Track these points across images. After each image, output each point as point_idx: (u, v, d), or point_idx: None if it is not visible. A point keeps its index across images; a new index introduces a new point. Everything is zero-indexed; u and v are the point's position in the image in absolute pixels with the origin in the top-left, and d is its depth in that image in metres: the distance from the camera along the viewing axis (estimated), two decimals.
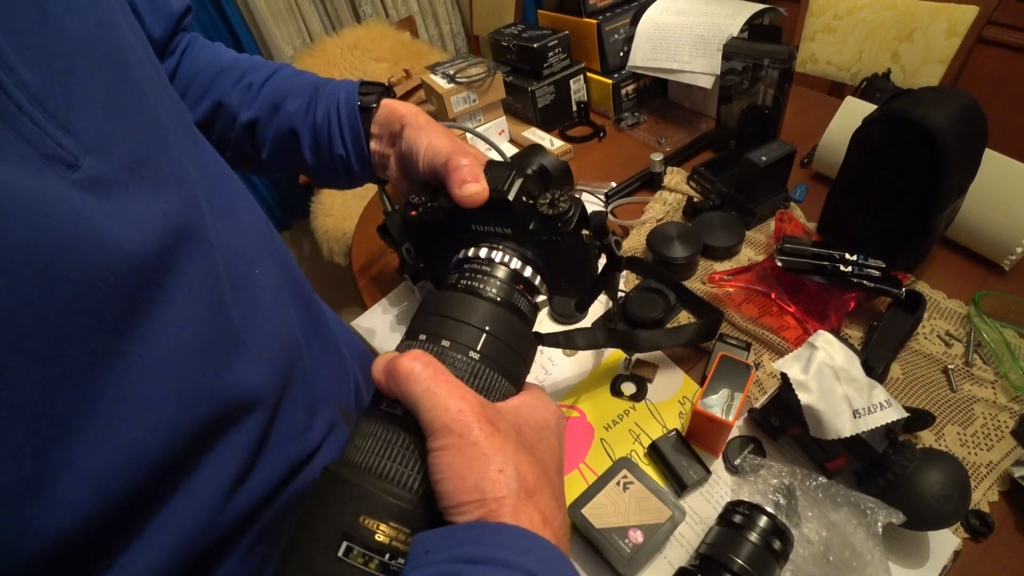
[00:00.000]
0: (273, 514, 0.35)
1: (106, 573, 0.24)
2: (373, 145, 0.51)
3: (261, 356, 0.33)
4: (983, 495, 0.55)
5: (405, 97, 1.80)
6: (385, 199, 0.78)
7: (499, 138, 1.18)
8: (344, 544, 0.25)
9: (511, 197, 0.37)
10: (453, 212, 0.39)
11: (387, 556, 0.26)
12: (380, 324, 0.84)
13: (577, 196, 0.39)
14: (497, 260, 0.37)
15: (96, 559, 0.24)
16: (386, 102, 0.50)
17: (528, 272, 0.38)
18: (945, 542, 0.52)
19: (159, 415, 0.25)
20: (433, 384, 0.27)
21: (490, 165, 0.40)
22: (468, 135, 1.04)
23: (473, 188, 0.37)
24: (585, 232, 0.40)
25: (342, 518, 0.26)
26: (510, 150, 1.14)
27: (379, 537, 0.26)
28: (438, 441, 0.27)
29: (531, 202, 0.38)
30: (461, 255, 0.39)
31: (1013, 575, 0.51)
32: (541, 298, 0.42)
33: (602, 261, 0.46)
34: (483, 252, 0.37)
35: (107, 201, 0.23)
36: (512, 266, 0.37)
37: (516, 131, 1.19)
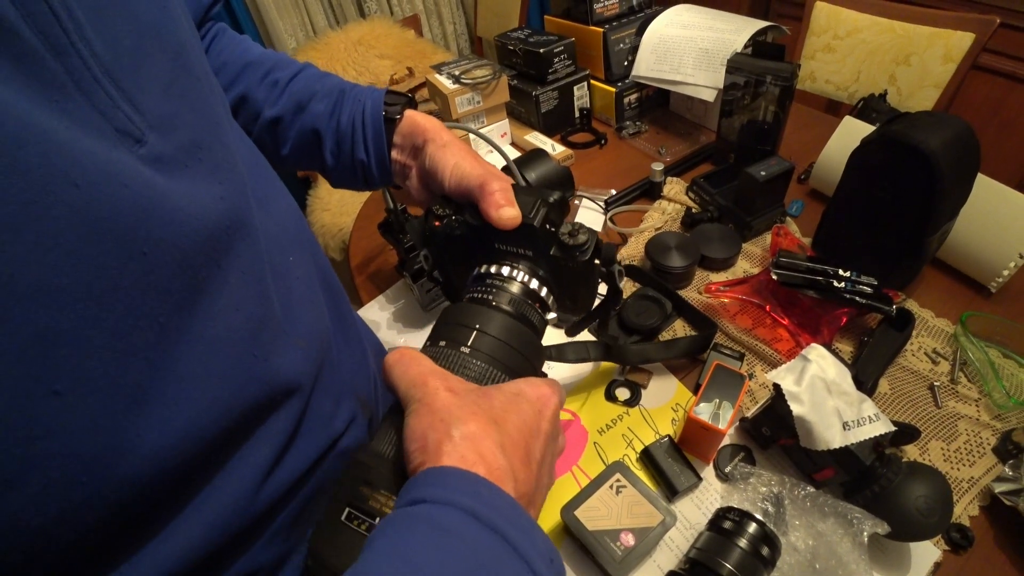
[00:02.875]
0: (301, 501, 0.35)
1: (143, 550, 0.24)
2: (394, 154, 0.52)
3: (299, 344, 0.34)
4: (964, 509, 0.57)
5: None
6: (388, 196, 0.78)
7: (501, 140, 1.19)
8: (347, 510, 0.30)
9: (536, 224, 0.40)
10: (478, 229, 0.42)
11: (377, 519, 0.30)
12: (376, 321, 0.84)
13: (592, 229, 0.41)
14: (516, 278, 0.41)
15: (137, 535, 0.24)
16: (409, 113, 0.52)
17: (543, 292, 0.42)
18: (927, 554, 0.54)
19: (215, 394, 0.26)
20: (407, 367, 0.32)
21: (517, 190, 0.43)
22: (471, 135, 1.05)
23: (510, 212, 0.40)
24: (597, 262, 0.43)
25: (349, 490, 0.31)
26: (512, 153, 1.15)
27: (372, 503, 0.30)
28: (406, 410, 0.30)
29: (553, 230, 0.41)
30: (483, 270, 0.42)
31: None
32: (551, 315, 0.45)
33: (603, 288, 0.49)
34: (504, 270, 0.42)
35: (171, 178, 0.24)
36: (530, 285, 0.42)
37: (518, 134, 1.20)
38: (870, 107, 1.50)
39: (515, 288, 0.41)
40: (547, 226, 0.41)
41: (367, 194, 1.33)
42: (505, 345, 0.37)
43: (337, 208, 1.78)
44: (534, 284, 0.42)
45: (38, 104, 0.19)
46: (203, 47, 0.31)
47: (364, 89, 0.53)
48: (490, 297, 0.40)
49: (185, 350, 0.24)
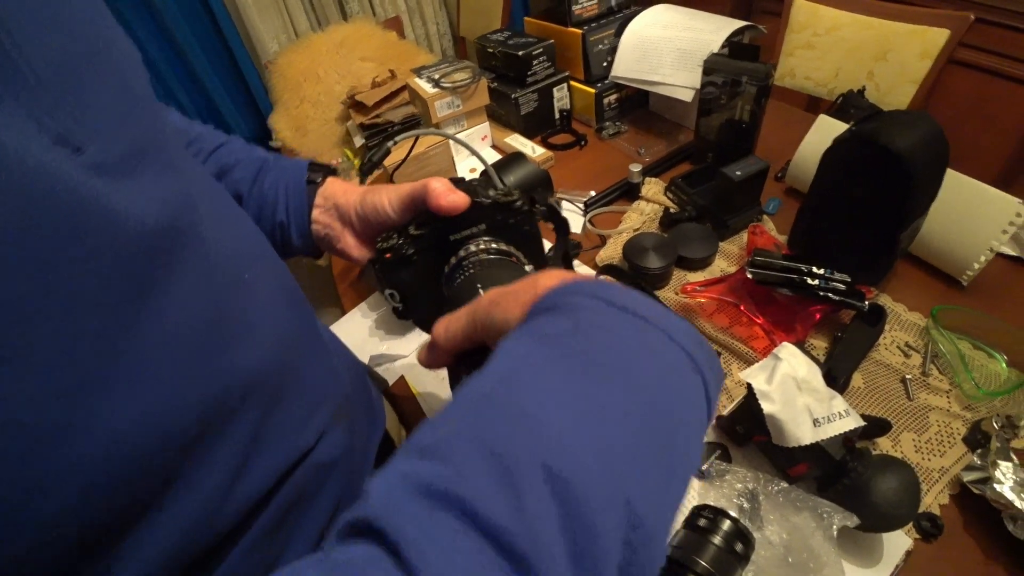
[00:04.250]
0: (276, 511, 0.36)
1: (115, 552, 0.25)
2: (316, 215, 0.53)
3: (259, 344, 0.34)
4: (935, 498, 0.58)
5: (389, 98, 1.80)
6: None
7: (482, 143, 1.20)
8: None
9: (479, 198, 0.44)
10: (428, 236, 0.44)
11: None
12: (358, 329, 0.85)
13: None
14: (483, 248, 0.44)
15: (108, 536, 0.25)
16: (331, 180, 0.54)
17: (512, 250, 0.45)
18: (898, 543, 0.55)
19: (172, 386, 0.26)
20: (449, 325, 0.33)
21: (455, 182, 0.45)
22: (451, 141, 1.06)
23: (455, 196, 0.43)
24: (537, 207, 0.46)
25: None
26: (491, 155, 1.15)
27: None
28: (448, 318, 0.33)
29: (490, 200, 0.44)
30: (453, 261, 0.44)
31: (959, 573, 0.54)
32: (529, 267, 0.46)
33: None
34: (471, 247, 0.43)
35: (111, 183, 0.24)
36: (499, 246, 0.44)
37: (499, 137, 1.21)
38: (849, 103, 1.52)
39: (488, 254, 0.43)
40: (485, 200, 0.44)
41: None
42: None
43: None
44: (502, 246, 0.44)
45: None
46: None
47: (288, 159, 0.55)
48: (472, 271, 0.42)
49: (137, 342, 0.25)
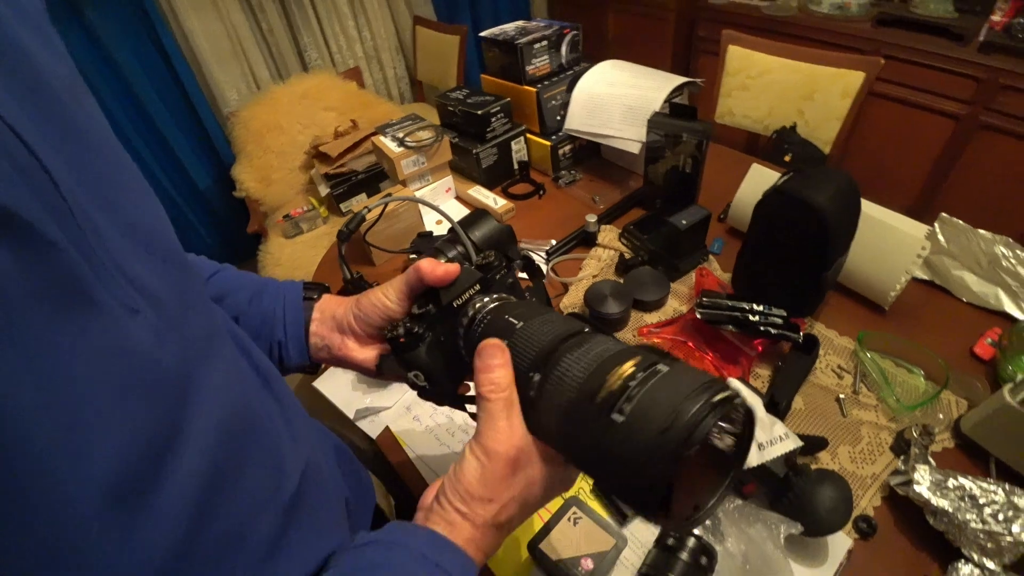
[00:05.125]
0: None
1: None
2: (314, 328, 0.55)
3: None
4: (869, 501, 0.67)
5: (352, 149, 1.87)
6: (345, 267, 0.85)
7: (446, 195, 1.27)
8: None
9: (471, 262, 0.50)
10: (432, 313, 0.46)
11: None
12: (342, 384, 0.89)
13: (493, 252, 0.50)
14: (487, 302, 0.46)
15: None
16: (326, 296, 0.57)
17: (506, 295, 0.49)
18: (840, 544, 0.63)
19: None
20: (498, 412, 0.36)
21: (422, 237, 0.51)
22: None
23: (445, 267, 0.46)
24: (515, 262, 0.53)
25: None
26: (455, 209, 1.23)
27: None
28: (476, 447, 0.37)
29: (476, 263, 0.49)
30: (466, 321, 0.46)
31: (895, 565, 0.62)
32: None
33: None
34: (477, 304, 0.46)
35: (162, 339, 0.29)
36: (498, 296, 0.47)
37: (462, 189, 1.28)
38: (783, 138, 1.67)
39: (493, 302, 0.46)
40: (471, 264, 0.50)
41: (320, 248, 1.38)
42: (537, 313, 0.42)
43: (289, 263, 1.81)
44: (500, 295, 0.48)
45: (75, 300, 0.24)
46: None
47: (282, 283, 0.58)
48: (490, 317, 0.44)
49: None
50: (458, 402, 0.51)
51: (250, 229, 2.02)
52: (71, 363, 0.24)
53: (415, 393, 0.49)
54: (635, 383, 0.30)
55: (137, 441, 0.26)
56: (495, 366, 0.37)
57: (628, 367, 0.31)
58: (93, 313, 0.25)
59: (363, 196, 1.88)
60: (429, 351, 0.46)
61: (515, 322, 0.41)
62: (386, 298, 0.51)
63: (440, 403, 0.50)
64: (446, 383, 0.49)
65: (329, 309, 0.56)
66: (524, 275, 0.56)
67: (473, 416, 0.41)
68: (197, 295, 0.37)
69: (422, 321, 0.46)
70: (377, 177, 1.84)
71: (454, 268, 0.47)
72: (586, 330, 0.38)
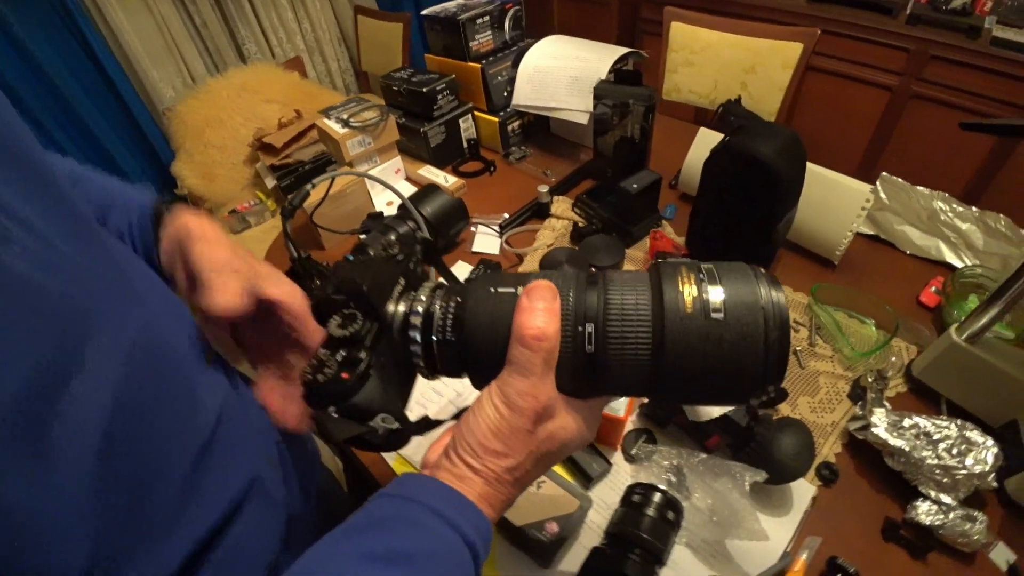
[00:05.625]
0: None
1: None
2: (164, 260, 0.45)
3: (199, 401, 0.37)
4: (830, 448, 0.67)
5: (297, 139, 1.81)
6: (291, 245, 0.81)
7: (395, 176, 1.24)
8: None
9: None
10: (362, 323, 0.36)
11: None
12: None
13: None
14: (439, 290, 0.38)
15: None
16: (180, 209, 0.46)
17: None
18: (804, 491, 0.63)
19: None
20: (535, 365, 0.31)
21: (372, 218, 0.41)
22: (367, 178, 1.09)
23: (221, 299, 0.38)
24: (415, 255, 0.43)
25: None
26: (406, 188, 1.19)
27: None
28: (497, 396, 0.33)
29: (391, 255, 0.41)
30: (415, 326, 0.36)
31: (858, 509, 0.63)
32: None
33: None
34: (424, 298, 0.37)
35: (43, 269, 0.27)
36: (443, 285, 0.39)
37: (412, 169, 1.25)
38: (728, 111, 1.68)
39: (451, 292, 0.38)
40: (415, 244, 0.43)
41: (268, 238, 1.32)
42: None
43: None
44: (442, 285, 0.39)
45: None
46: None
47: (132, 194, 0.49)
48: (460, 300, 0.36)
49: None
50: (431, 426, 0.38)
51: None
52: None
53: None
54: (706, 282, 0.31)
55: (25, 372, 0.24)
56: (544, 311, 0.32)
57: (686, 274, 0.32)
58: None
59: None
60: (383, 382, 0.35)
61: (511, 289, 0.34)
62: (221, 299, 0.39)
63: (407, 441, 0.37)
64: (402, 402, 0.38)
65: (174, 237, 0.43)
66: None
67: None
68: (86, 224, 0.34)
69: (353, 345, 0.35)
70: (324, 167, 1.79)
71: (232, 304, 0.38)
72: (584, 271, 0.35)
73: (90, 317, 0.29)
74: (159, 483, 0.32)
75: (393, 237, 0.89)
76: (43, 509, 0.25)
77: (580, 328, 0.32)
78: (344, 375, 0.33)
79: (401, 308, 0.37)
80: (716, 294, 0.30)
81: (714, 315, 0.30)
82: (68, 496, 0.26)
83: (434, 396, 0.76)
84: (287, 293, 0.41)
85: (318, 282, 0.36)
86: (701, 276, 0.32)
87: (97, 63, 2.00)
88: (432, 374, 0.38)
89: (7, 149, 0.28)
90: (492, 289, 0.35)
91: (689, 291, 0.31)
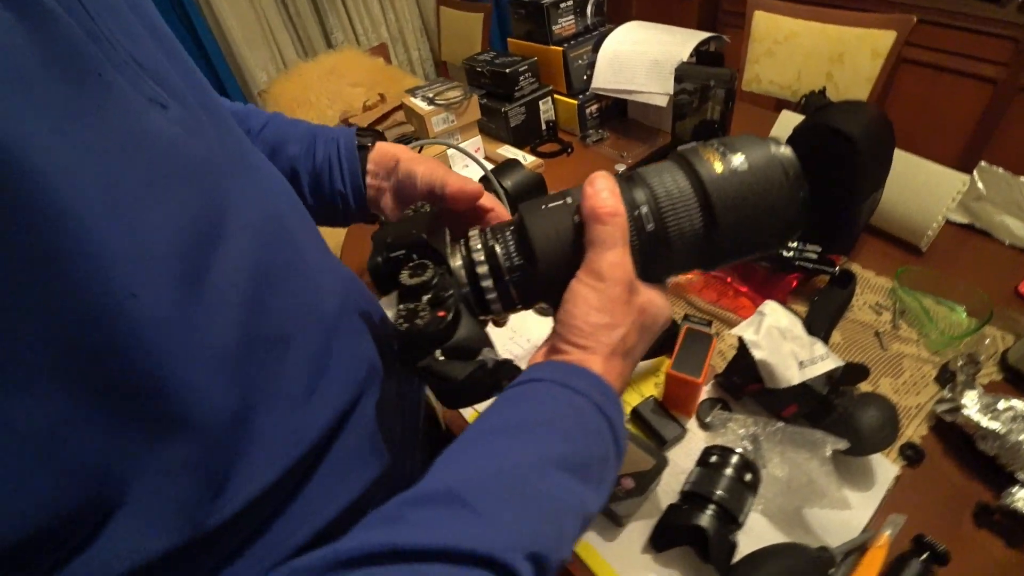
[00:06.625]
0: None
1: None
2: (368, 180, 0.54)
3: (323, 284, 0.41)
4: (915, 431, 0.66)
5: (382, 120, 1.88)
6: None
7: (476, 155, 1.28)
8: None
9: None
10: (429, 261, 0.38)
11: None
12: None
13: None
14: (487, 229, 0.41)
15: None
16: (380, 143, 0.56)
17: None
18: (887, 470, 0.62)
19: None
20: (616, 238, 0.34)
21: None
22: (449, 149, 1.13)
23: (469, 185, 0.47)
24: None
25: None
26: (487, 165, 1.23)
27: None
28: (588, 277, 0.35)
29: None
30: (480, 264, 0.38)
31: (945, 493, 0.61)
32: None
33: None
34: (485, 234, 0.40)
35: (190, 135, 0.31)
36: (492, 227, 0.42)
37: (491, 149, 1.29)
38: (811, 103, 1.63)
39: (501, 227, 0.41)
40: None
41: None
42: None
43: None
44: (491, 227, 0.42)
45: (86, 76, 0.25)
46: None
47: (334, 129, 0.57)
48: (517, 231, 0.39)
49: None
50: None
51: None
52: (100, 138, 0.24)
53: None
54: (726, 151, 0.35)
55: (184, 225, 0.27)
56: (610, 192, 0.35)
57: (707, 149, 0.36)
58: (112, 95, 0.26)
59: None
60: (472, 317, 0.37)
61: (559, 201, 0.38)
62: (420, 182, 0.50)
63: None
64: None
65: (383, 161, 0.54)
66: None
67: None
68: (225, 119, 0.38)
69: (430, 290, 0.36)
70: (376, 131, 1.86)
71: (478, 188, 0.45)
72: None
73: (226, 181, 0.32)
74: (293, 351, 0.35)
75: None
76: (196, 354, 0.27)
77: (636, 212, 0.36)
78: (440, 313, 0.34)
79: (458, 256, 0.39)
80: (738, 157, 0.35)
81: (741, 171, 0.35)
82: (218, 351, 0.29)
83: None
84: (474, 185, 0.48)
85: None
86: (720, 148, 0.36)
87: (201, 47, 2.16)
88: (505, 310, 0.40)
89: (154, 27, 0.33)
90: (543, 207, 0.38)
91: (715, 160, 0.35)
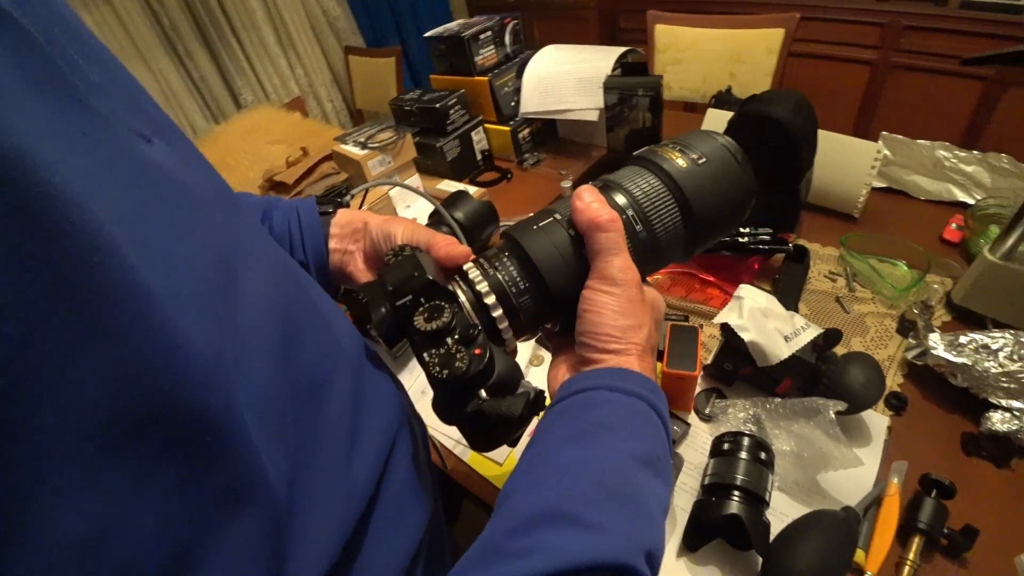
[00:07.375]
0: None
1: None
2: (333, 244, 0.52)
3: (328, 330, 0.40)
4: (893, 380, 0.70)
5: (308, 173, 1.84)
6: None
7: (422, 191, 1.27)
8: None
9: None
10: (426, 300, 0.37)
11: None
12: None
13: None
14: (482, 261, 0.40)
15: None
16: (342, 210, 0.54)
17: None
18: (879, 422, 0.66)
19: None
20: (619, 244, 0.35)
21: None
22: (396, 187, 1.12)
23: (458, 248, 0.42)
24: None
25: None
26: (427, 203, 1.22)
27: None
28: (603, 284, 0.35)
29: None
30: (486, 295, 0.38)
31: (932, 431, 0.65)
32: None
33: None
34: (485, 267, 0.39)
35: (185, 168, 0.30)
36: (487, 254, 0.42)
37: (430, 185, 1.29)
38: (721, 101, 1.74)
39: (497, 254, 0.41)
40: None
41: None
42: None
43: None
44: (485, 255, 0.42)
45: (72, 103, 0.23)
46: None
47: (291, 200, 0.55)
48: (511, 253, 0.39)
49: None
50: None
51: None
52: (102, 165, 0.22)
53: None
54: (682, 147, 0.40)
55: (211, 260, 0.26)
56: (601, 202, 0.36)
57: (665, 149, 0.40)
58: (99, 123, 0.24)
59: None
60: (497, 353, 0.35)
61: (548, 219, 0.39)
62: (402, 239, 0.47)
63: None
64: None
65: (350, 223, 0.52)
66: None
67: None
68: (201, 157, 0.37)
69: (452, 332, 0.34)
70: (337, 199, 1.83)
71: (466, 250, 0.42)
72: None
73: (226, 217, 0.31)
74: (328, 396, 0.33)
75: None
76: (247, 407, 0.25)
77: (624, 216, 0.38)
78: (476, 351, 0.33)
79: (460, 292, 0.38)
80: (695, 151, 0.40)
81: (701, 163, 0.39)
82: (267, 398, 0.27)
83: None
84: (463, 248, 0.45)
85: (361, 296, 0.37)
86: (676, 146, 0.40)
87: None
88: (516, 337, 0.39)
89: (117, 64, 0.31)
90: (534, 227, 0.38)
91: (676, 156, 0.40)
